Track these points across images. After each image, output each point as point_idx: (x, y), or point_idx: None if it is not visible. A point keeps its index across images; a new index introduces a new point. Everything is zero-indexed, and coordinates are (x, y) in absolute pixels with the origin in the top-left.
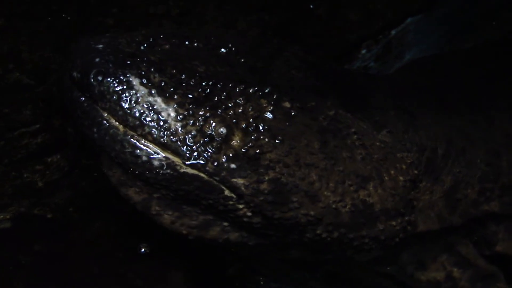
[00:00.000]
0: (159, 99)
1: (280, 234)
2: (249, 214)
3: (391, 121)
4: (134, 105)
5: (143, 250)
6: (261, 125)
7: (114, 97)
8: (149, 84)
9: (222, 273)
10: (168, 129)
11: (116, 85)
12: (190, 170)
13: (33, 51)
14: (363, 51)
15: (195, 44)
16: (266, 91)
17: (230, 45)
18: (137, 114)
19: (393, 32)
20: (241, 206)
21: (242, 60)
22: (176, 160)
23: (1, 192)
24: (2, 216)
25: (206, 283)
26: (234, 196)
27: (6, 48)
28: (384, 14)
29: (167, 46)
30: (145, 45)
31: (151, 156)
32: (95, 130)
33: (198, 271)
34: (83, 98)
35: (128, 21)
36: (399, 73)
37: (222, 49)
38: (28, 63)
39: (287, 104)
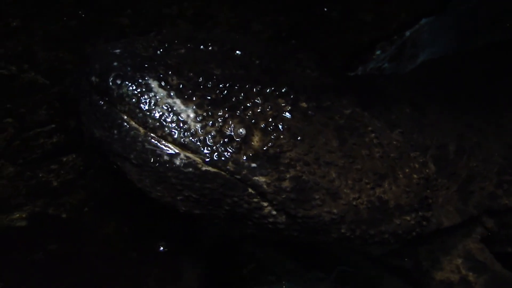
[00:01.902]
0: (178, 101)
1: (305, 236)
2: (274, 212)
3: (404, 120)
4: (154, 107)
5: (161, 248)
6: (280, 125)
7: (133, 99)
8: (168, 86)
9: (236, 274)
10: (188, 130)
11: (135, 88)
12: (211, 169)
13: (48, 51)
14: (378, 52)
15: (210, 48)
16: (283, 91)
17: (244, 48)
18: (157, 116)
19: (407, 33)
20: (265, 204)
21: (257, 61)
22: (197, 159)
23: (17, 191)
24: (17, 215)
25: (220, 284)
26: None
27: (21, 48)
28: (397, 15)
29: (182, 50)
30: (161, 49)
31: (172, 156)
32: (115, 132)
33: (211, 271)
34: (102, 102)
35: (142, 22)
36: (412, 73)
37: (237, 51)
38: (43, 63)
39: (304, 104)
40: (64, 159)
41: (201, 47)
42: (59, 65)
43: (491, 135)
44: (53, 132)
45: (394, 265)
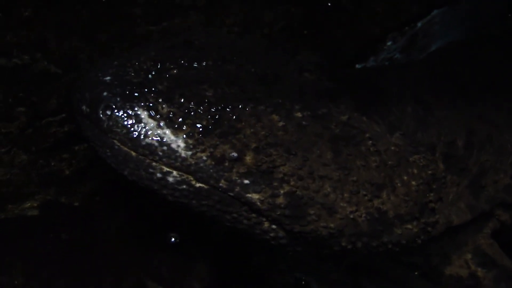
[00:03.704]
0: (168, 131)
1: (309, 250)
2: (274, 227)
3: (405, 120)
4: (143, 138)
5: (173, 240)
6: (273, 142)
7: (123, 131)
8: (158, 116)
9: (246, 264)
10: (179, 157)
11: (124, 119)
12: (205, 186)
13: (61, 40)
14: (389, 43)
15: (204, 64)
16: (277, 103)
17: (241, 56)
18: (147, 147)
19: (419, 24)
20: (264, 219)
21: (253, 70)
22: (190, 176)
23: (29, 180)
24: (29, 204)
25: (230, 273)
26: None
27: (34, 38)
28: (409, 6)
29: (175, 71)
30: (153, 72)
31: (165, 174)
32: (107, 150)
33: (222, 261)
34: (93, 127)
35: (155, 12)
36: (420, 63)
37: (232, 64)
38: (56, 52)
39: (298, 114)
40: (76, 148)
41: (195, 64)
42: (72, 54)
43: (503, 125)
44: (65, 121)
45: (404, 261)
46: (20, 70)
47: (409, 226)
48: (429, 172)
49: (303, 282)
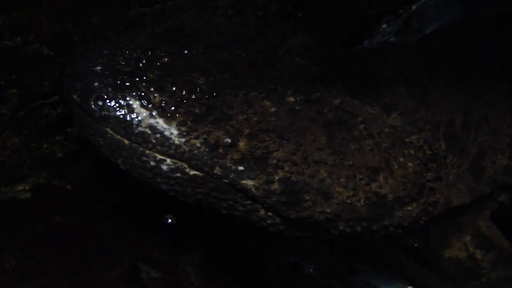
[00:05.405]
0: (160, 120)
1: (307, 234)
2: (270, 214)
3: (402, 101)
4: (136, 127)
5: (169, 221)
6: (265, 128)
7: (116, 121)
8: (150, 106)
9: (241, 248)
10: (172, 144)
11: (116, 109)
12: (199, 173)
13: (54, 22)
14: (384, 26)
15: (194, 51)
16: (269, 89)
17: (232, 41)
18: (140, 135)
19: (413, 7)
20: (259, 206)
21: (244, 55)
22: (184, 164)
23: (21, 162)
24: (22, 187)
25: (225, 257)
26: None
27: (27, 20)
28: None
29: (166, 59)
30: (144, 61)
31: (159, 162)
32: (100, 139)
33: (217, 244)
34: (86, 116)
35: None
36: (415, 45)
37: (223, 51)
38: (49, 34)
39: (291, 99)
40: (69, 130)
41: (185, 52)
42: (65, 36)
43: (500, 105)
44: (58, 104)
45: (403, 245)
46: (12, 52)
47: (409, 208)
48: (428, 152)
49: (297, 266)
